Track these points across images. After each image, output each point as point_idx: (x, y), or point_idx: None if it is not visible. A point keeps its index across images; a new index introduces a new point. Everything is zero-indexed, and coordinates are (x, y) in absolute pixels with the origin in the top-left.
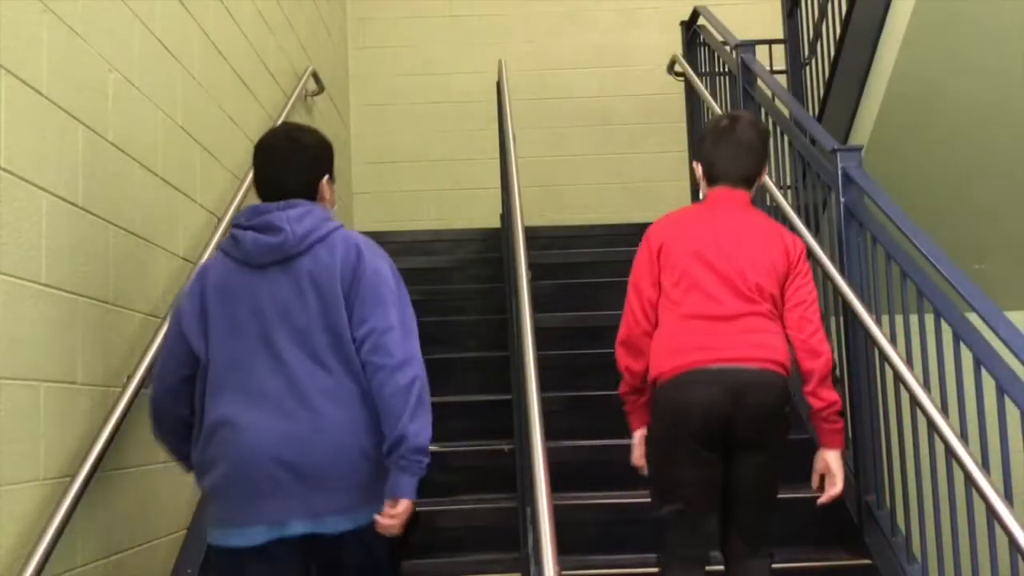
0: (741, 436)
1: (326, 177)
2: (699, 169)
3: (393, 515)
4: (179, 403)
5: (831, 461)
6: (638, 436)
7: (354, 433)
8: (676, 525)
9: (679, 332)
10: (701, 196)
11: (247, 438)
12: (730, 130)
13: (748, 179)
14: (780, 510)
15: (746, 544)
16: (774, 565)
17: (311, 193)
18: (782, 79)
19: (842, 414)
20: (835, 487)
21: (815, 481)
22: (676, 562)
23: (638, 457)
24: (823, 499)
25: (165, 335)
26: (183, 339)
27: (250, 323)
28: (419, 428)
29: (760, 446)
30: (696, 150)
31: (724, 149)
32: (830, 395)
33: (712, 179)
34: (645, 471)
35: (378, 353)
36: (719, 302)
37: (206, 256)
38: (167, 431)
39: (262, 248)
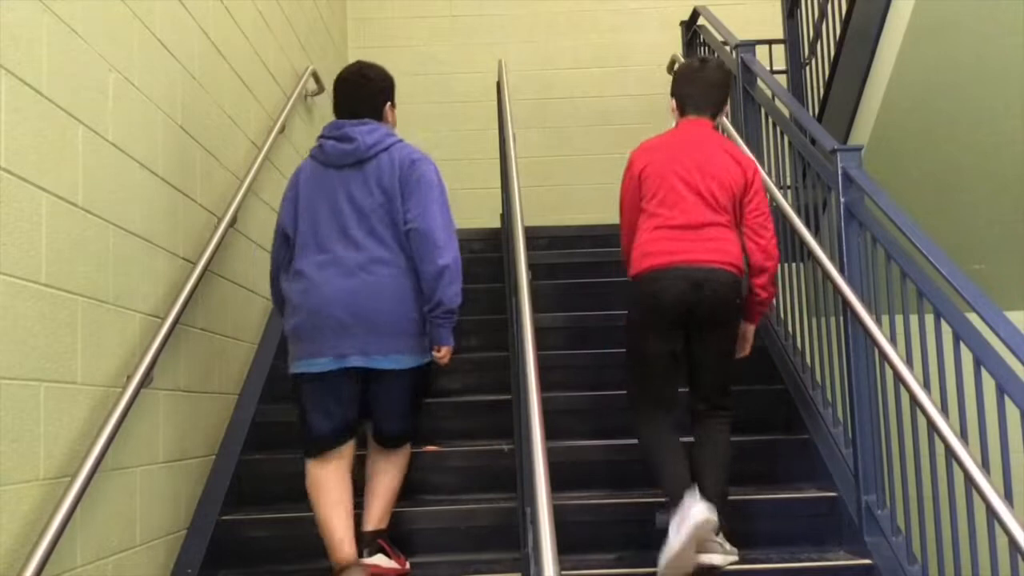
0: (700, 319)
1: (388, 104)
2: (673, 103)
3: (440, 355)
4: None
5: (749, 332)
6: None
7: (402, 296)
8: (647, 396)
9: (653, 240)
10: (673, 125)
11: (321, 292)
12: (701, 70)
13: (714, 111)
14: (735, 381)
15: (707, 402)
16: (774, 565)
17: (377, 116)
18: (782, 79)
19: (768, 303)
20: (744, 352)
21: (739, 346)
22: (646, 416)
23: None
24: (741, 356)
25: (277, 218)
26: (282, 228)
27: (328, 209)
28: (452, 295)
29: (716, 326)
30: (672, 88)
31: (696, 86)
32: (772, 289)
33: (683, 110)
34: None
35: (424, 240)
36: (688, 214)
37: (206, 256)
38: (279, 295)
39: (340, 153)
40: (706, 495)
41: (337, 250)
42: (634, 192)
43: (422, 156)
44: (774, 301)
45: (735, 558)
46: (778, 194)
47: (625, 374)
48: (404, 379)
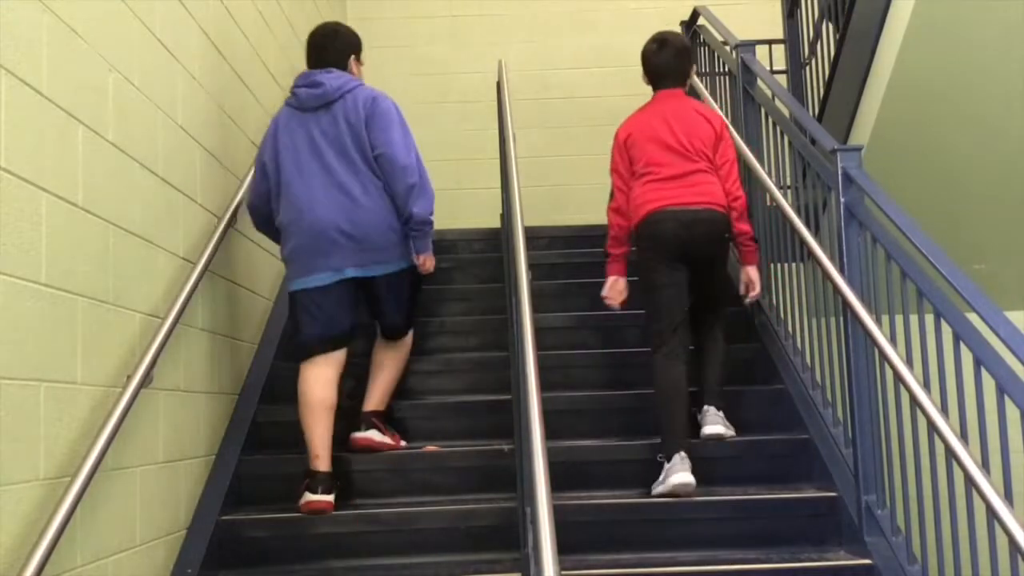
0: (696, 254)
1: (352, 57)
2: (646, 79)
3: (422, 263)
4: (266, 204)
5: (751, 273)
6: (611, 280)
7: (383, 213)
8: (662, 326)
9: (647, 191)
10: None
11: (312, 217)
12: (664, 45)
13: (682, 80)
14: (728, 302)
15: (705, 317)
16: (774, 565)
17: (343, 67)
18: (782, 79)
19: (755, 240)
20: (756, 291)
21: (743, 289)
22: (665, 354)
23: (608, 294)
24: (750, 300)
25: (254, 163)
26: (262, 163)
27: (307, 145)
28: (421, 208)
29: (710, 260)
30: (643, 67)
31: (663, 59)
32: (746, 227)
33: (656, 83)
34: (614, 305)
35: (390, 163)
36: (673, 167)
37: (206, 256)
38: (262, 223)
39: (311, 97)
40: (708, 388)
41: (319, 179)
42: (623, 159)
43: (381, 94)
44: (774, 300)
45: (733, 433)
46: (778, 194)
47: (644, 309)
48: (395, 281)
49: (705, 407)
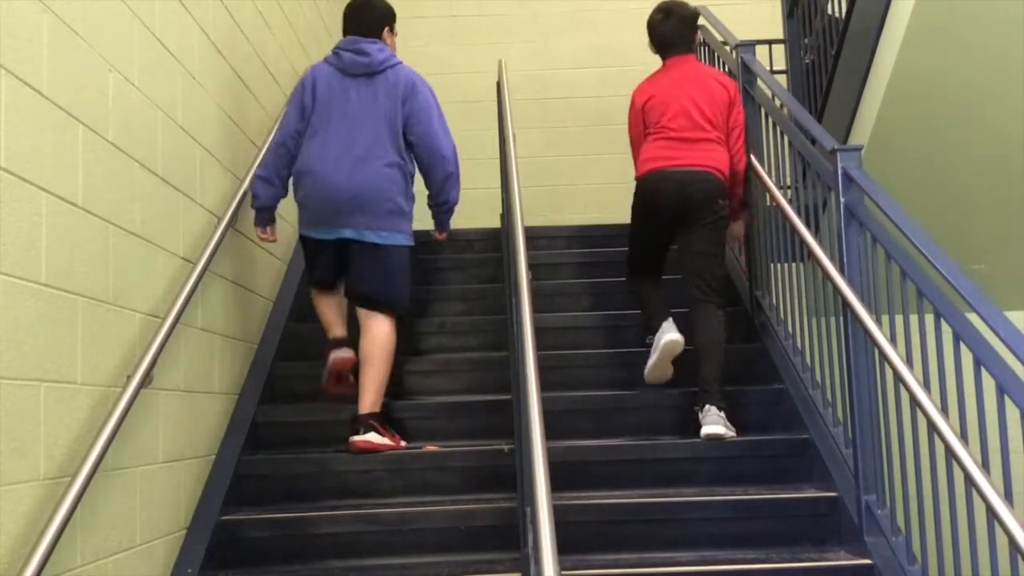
0: (689, 214)
1: (387, 28)
2: (653, 48)
3: (440, 236)
4: (296, 144)
5: (736, 227)
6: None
7: (391, 189)
8: (640, 262)
9: (653, 148)
10: (660, 66)
11: (325, 178)
12: (668, 15)
13: (689, 45)
14: (721, 272)
15: (699, 290)
16: (774, 565)
17: (378, 35)
18: (782, 79)
19: (744, 204)
20: (740, 240)
21: (734, 238)
22: (640, 277)
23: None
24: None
25: (288, 103)
26: (300, 103)
27: (340, 107)
28: (455, 196)
29: (701, 222)
30: (649, 37)
31: (669, 27)
32: (740, 192)
33: (665, 51)
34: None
35: (431, 153)
36: (685, 131)
37: (206, 256)
38: (282, 165)
39: (356, 64)
40: (705, 381)
41: (342, 142)
42: (639, 123)
43: (420, 79)
44: (774, 300)
45: (734, 433)
46: (778, 194)
47: (628, 247)
48: (382, 253)
49: (707, 406)
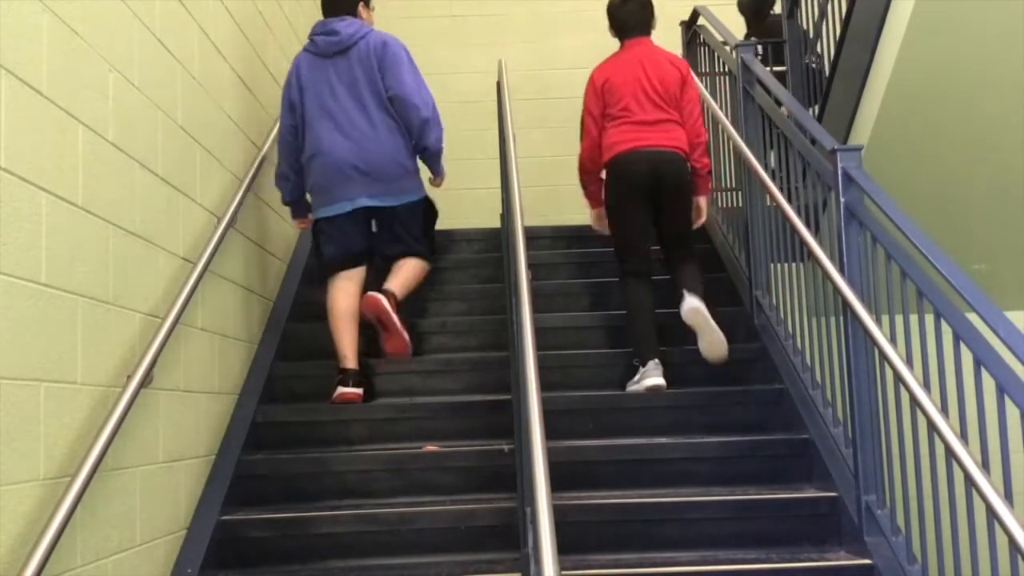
0: (663, 189)
1: (361, 4)
2: (612, 32)
3: (436, 183)
4: (295, 137)
5: (702, 203)
6: (595, 212)
7: (393, 150)
8: (628, 251)
9: (620, 132)
10: (618, 48)
11: (330, 157)
12: (625, 3)
13: (647, 30)
14: (691, 239)
15: (676, 250)
16: (774, 565)
17: (353, 13)
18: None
19: (710, 173)
20: (702, 218)
21: (694, 217)
22: (630, 277)
23: (595, 223)
24: (697, 225)
25: (281, 101)
26: (288, 99)
27: (327, 88)
28: (435, 141)
29: (674, 198)
30: (609, 22)
31: (628, 10)
32: (706, 160)
33: (624, 34)
34: (604, 231)
35: (403, 103)
36: (646, 112)
37: (206, 256)
38: (291, 157)
39: (328, 44)
40: (686, 280)
41: (336, 120)
42: (598, 103)
43: (391, 38)
44: (774, 300)
45: (708, 315)
46: (778, 194)
47: (613, 238)
48: (409, 210)
49: (685, 292)
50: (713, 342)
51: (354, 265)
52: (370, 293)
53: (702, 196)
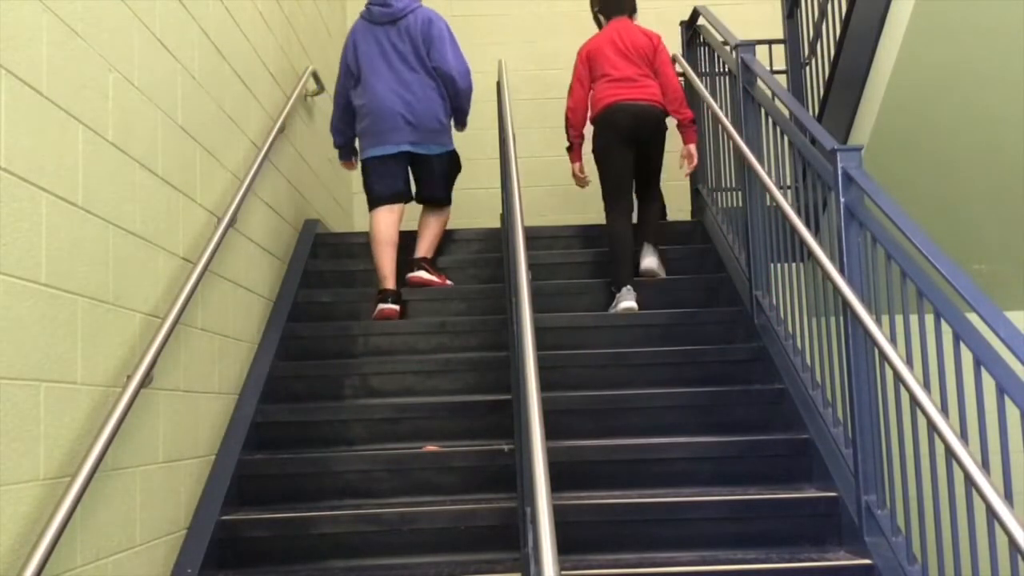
0: (642, 136)
1: None
2: (595, 10)
3: (460, 130)
4: (345, 95)
5: (692, 149)
6: (578, 165)
7: (434, 107)
8: (613, 191)
9: (604, 89)
10: (600, 27)
11: (382, 104)
12: None
13: (629, 11)
14: (659, 177)
15: (646, 188)
16: (774, 565)
17: None
18: (782, 79)
19: (694, 121)
20: (693, 163)
21: (682, 163)
22: (613, 213)
23: (582, 175)
24: (687, 171)
25: (340, 63)
26: (346, 63)
27: (378, 54)
28: (466, 105)
29: (649, 143)
30: (592, 6)
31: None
32: (687, 112)
33: (607, 14)
34: (584, 182)
35: (446, 75)
36: (624, 71)
37: (206, 256)
38: (342, 111)
39: (382, 14)
40: (645, 229)
41: (387, 77)
42: (585, 69)
43: (435, 15)
44: (775, 300)
45: (663, 275)
46: (778, 194)
47: (600, 182)
48: (441, 160)
49: (644, 244)
50: (656, 277)
51: (395, 201)
52: (411, 274)
53: (691, 144)
